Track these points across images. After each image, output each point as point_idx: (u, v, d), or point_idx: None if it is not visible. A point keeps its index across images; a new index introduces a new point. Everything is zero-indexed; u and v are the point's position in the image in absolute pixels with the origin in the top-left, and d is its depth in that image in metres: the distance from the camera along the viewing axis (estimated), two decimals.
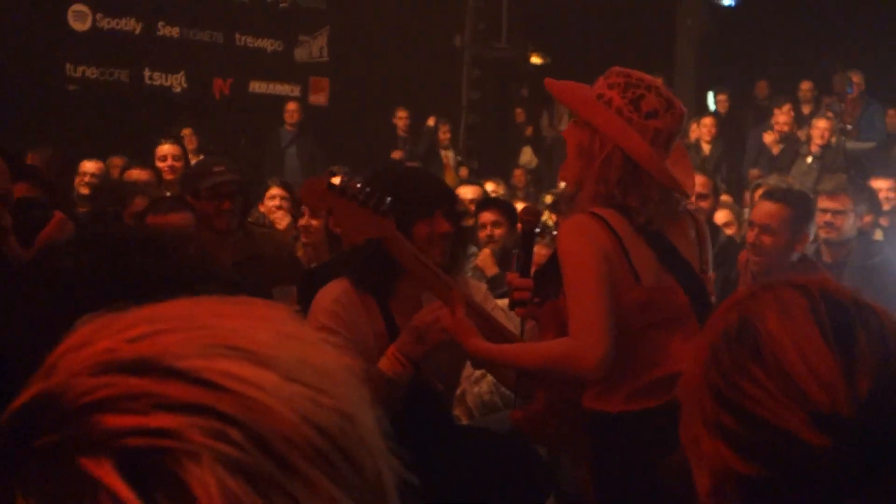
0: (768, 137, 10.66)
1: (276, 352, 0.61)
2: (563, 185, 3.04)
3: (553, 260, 2.76)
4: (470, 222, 6.01)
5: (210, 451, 0.55)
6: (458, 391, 3.96)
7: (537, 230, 3.01)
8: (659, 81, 2.74)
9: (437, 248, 3.04)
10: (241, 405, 0.57)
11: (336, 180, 2.80)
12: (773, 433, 1.09)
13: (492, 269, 5.49)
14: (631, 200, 2.68)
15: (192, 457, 0.55)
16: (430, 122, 12.26)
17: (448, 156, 12.04)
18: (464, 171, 11.30)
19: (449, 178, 10.83)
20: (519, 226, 3.10)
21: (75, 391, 0.57)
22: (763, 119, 11.28)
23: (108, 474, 0.54)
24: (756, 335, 1.14)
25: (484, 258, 5.60)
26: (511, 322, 3.29)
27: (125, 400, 0.56)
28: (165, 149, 7.02)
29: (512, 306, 2.94)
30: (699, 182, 5.28)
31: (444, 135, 11.97)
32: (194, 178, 4.54)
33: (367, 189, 2.79)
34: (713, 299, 2.80)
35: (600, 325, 2.57)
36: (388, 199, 2.79)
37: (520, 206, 5.42)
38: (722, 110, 11.96)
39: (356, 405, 0.62)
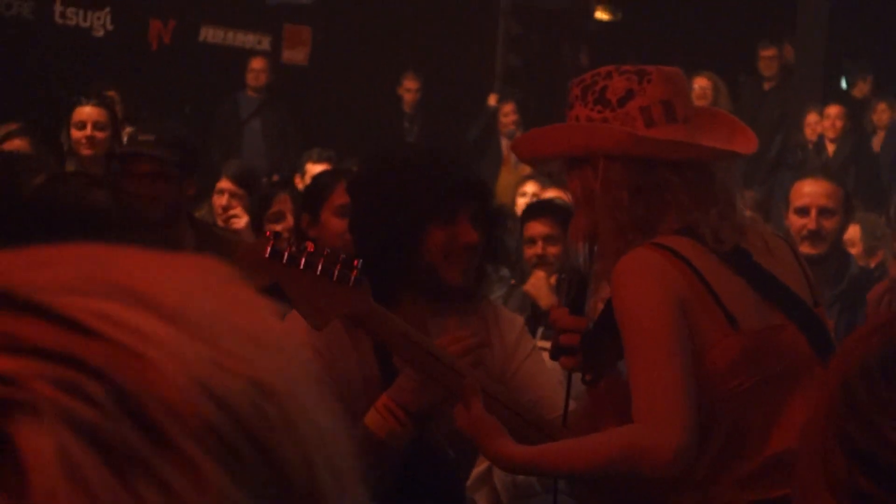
0: None
1: (183, 302, 0.62)
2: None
3: (607, 316, 2.80)
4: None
5: (56, 407, 0.56)
6: (482, 467, 3.96)
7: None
8: (614, 66, 2.92)
9: (458, 265, 3.06)
10: (114, 356, 0.58)
11: (282, 243, 2.82)
12: None
13: (548, 300, 5.50)
14: (672, 212, 2.76)
15: (29, 412, 0.55)
16: (492, 100, 12.31)
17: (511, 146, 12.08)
18: (525, 168, 11.33)
19: (505, 176, 10.85)
20: (580, 243, 3.12)
21: None
22: None
23: None
24: None
25: (537, 284, 5.61)
26: (555, 373, 3.30)
27: None
28: (86, 112, 6.97)
29: (555, 355, 2.96)
30: (822, 191, 5.29)
31: (508, 117, 12.00)
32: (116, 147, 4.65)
33: (327, 251, 2.82)
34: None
35: (676, 402, 2.61)
36: (360, 261, 2.82)
37: None
38: (859, 95, 11.96)
39: (288, 382, 0.62)
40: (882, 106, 11.41)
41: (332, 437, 0.64)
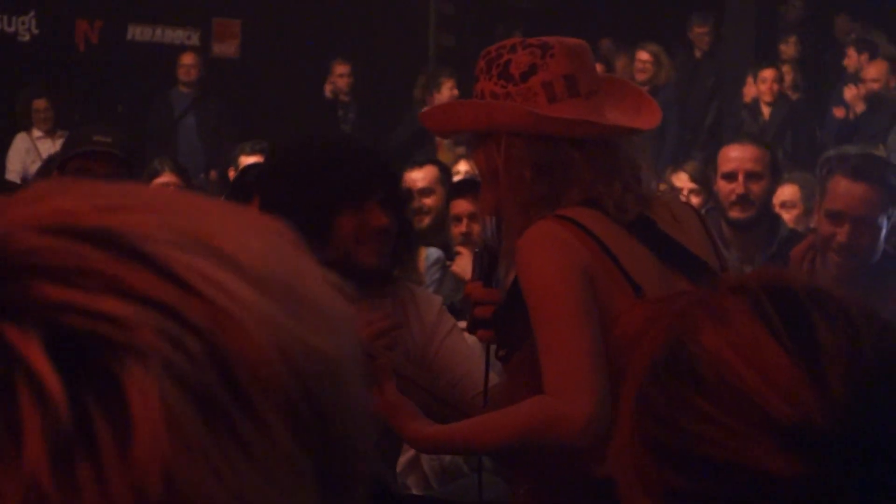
0: (850, 93, 10.76)
1: (268, 269, 0.65)
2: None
3: (515, 291, 2.80)
4: (425, 220, 6.06)
5: (160, 356, 0.59)
6: (411, 453, 3.97)
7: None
8: (520, 39, 2.95)
9: (370, 248, 3.07)
10: (209, 315, 0.61)
11: None
12: (736, 477, 1.14)
13: None
14: (575, 187, 2.77)
15: (137, 357, 0.58)
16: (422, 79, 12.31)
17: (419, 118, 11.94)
18: (462, 148, 11.27)
19: (441, 156, 10.84)
20: (487, 218, 3.15)
21: (17, 246, 0.61)
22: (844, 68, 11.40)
23: (32, 349, 0.58)
24: (690, 357, 1.19)
25: (462, 263, 5.62)
26: (478, 350, 3.31)
27: (75, 272, 0.60)
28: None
29: (471, 328, 2.97)
30: (748, 156, 5.31)
31: (450, 91, 11.91)
32: (66, 146, 4.71)
33: None
34: None
35: (585, 371, 2.62)
36: None
37: None
38: (786, 57, 11.95)
39: (345, 355, 0.66)
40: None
41: (364, 407, 0.68)
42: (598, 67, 3.10)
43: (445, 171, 6.79)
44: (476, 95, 2.91)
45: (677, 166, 7.20)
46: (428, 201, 6.21)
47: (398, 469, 3.64)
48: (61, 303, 0.59)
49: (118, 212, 0.64)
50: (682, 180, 6.75)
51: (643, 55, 11.25)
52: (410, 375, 2.94)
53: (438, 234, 6.00)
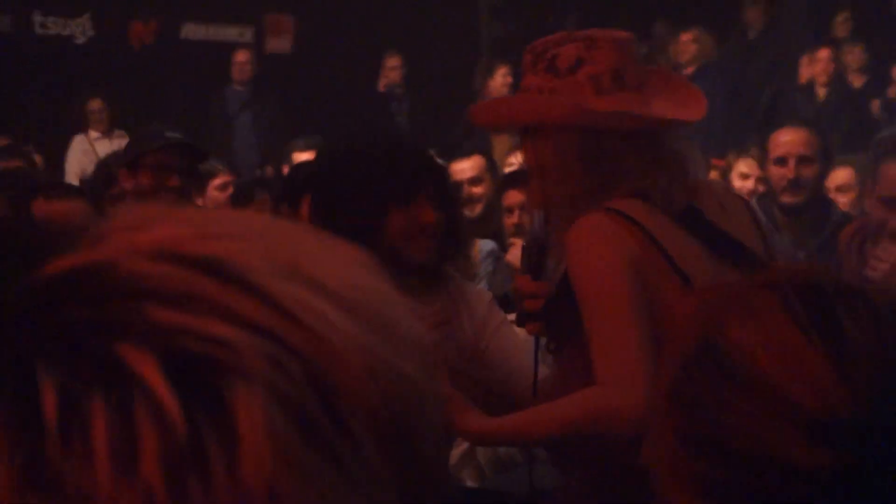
0: None
1: (358, 297, 0.70)
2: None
3: (564, 283, 2.82)
4: (476, 208, 6.09)
5: (264, 379, 0.63)
6: (465, 446, 4.00)
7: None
8: (566, 33, 2.97)
9: (420, 245, 3.10)
10: (308, 340, 0.65)
11: None
12: (764, 467, 1.18)
13: None
14: (623, 179, 2.79)
15: (244, 379, 0.63)
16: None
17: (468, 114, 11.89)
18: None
19: (500, 148, 10.87)
20: (534, 211, 3.16)
21: (129, 271, 0.66)
22: None
23: (150, 370, 0.62)
24: (719, 351, 1.24)
25: (516, 253, 5.63)
26: (529, 342, 3.34)
27: (185, 297, 0.65)
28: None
29: (520, 322, 2.99)
30: (799, 140, 5.29)
31: (504, 78, 11.90)
32: (137, 142, 4.75)
33: None
34: None
35: (637, 361, 2.63)
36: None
37: None
38: (841, 35, 11.82)
39: (425, 377, 0.71)
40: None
41: (440, 425, 0.73)
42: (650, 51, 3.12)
43: (492, 161, 6.81)
44: (523, 90, 2.94)
45: (742, 152, 7.12)
46: (477, 190, 6.23)
47: (452, 462, 3.68)
48: (174, 326, 0.63)
49: (220, 240, 0.68)
50: (750, 167, 6.68)
51: (685, 37, 11.27)
52: (462, 369, 2.96)
53: (490, 223, 6.02)
